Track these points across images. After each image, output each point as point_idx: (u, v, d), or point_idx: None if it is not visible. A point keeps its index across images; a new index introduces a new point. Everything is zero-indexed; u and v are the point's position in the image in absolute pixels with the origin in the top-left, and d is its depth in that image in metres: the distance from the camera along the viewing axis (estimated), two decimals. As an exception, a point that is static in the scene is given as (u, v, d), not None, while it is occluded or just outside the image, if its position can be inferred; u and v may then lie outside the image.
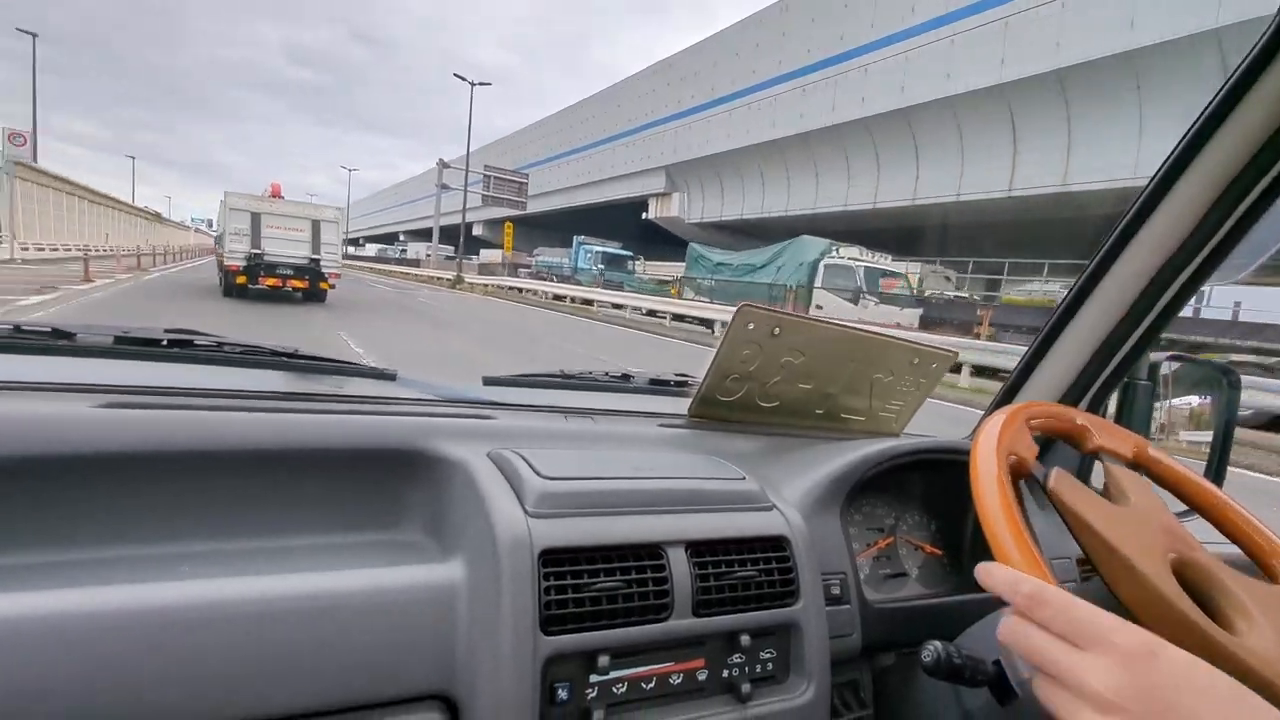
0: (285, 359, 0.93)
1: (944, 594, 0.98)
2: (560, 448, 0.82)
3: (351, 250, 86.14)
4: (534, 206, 39.59)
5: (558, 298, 26.06)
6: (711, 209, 31.00)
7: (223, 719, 0.52)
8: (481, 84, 32.22)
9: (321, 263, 13.87)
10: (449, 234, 65.17)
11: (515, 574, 0.60)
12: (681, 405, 1.08)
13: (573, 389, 1.15)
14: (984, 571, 0.48)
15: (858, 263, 17.37)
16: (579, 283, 28.56)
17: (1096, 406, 1.13)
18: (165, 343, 0.87)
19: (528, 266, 41.20)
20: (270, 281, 13.28)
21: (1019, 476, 0.63)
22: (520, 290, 28.65)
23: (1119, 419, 1.12)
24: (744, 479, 0.81)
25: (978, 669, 0.52)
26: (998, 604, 0.48)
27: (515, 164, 43.54)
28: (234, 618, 0.53)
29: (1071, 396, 1.11)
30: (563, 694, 0.61)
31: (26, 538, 0.59)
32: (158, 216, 50.35)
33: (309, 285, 13.80)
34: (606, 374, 1.22)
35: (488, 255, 46.97)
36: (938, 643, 0.52)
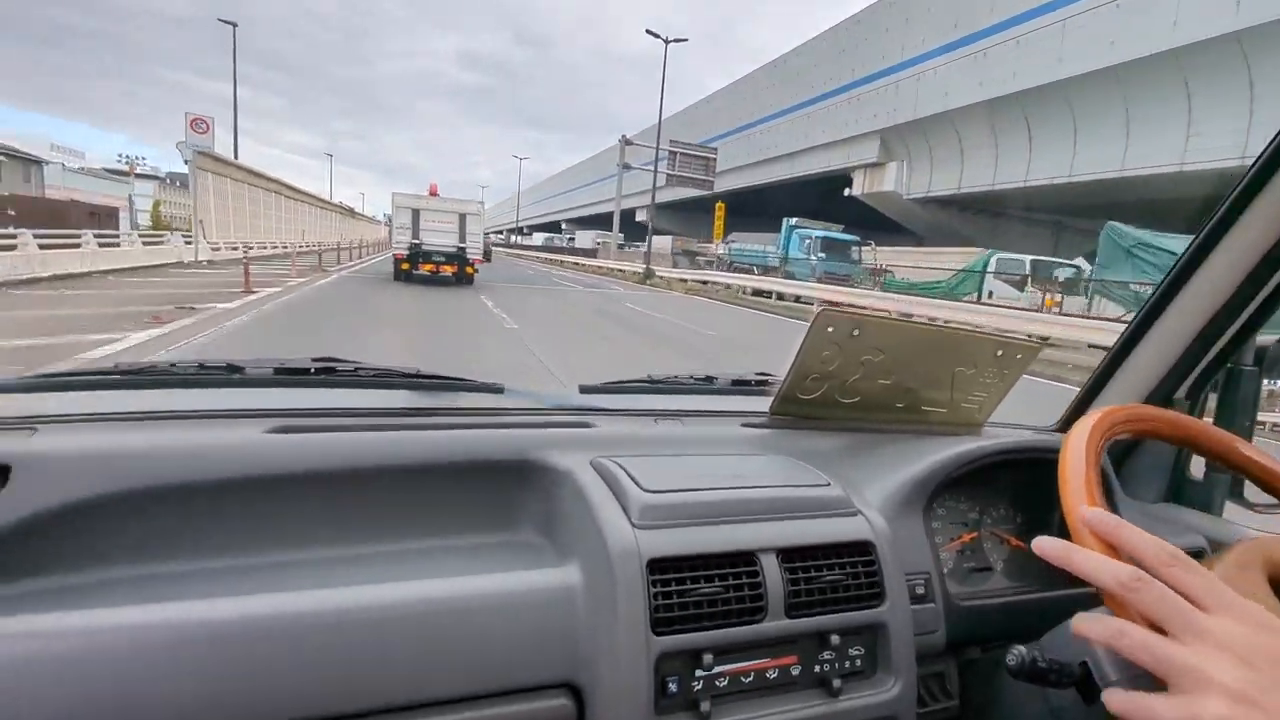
0: (411, 379, 1.02)
1: (1030, 588, 0.99)
2: (654, 453, 0.90)
3: (518, 239, 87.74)
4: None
5: (783, 299, 20.05)
6: (944, 180, 24.72)
7: (388, 704, 0.61)
8: (677, 40, 28.03)
9: (467, 250, 15.95)
10: (598, 221, 62.47)
11: (627, 581, 0.68)
12: (763, 404, 1.09)
13: (661, 393, 1.19)
14: (1065, 551, 0.46)
15: None
16: (791, 275, 23.29)
17: (1196, 393, 1.10)
18: (313, 371, 0.99)
19: (701, 254, 37.23)
20: (427, 267, 15.50)
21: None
22: (725, 287, 24.17)
23: (1220, 406, 1.09)
24: (829, 485, 0.85)
25: (1063, 671, 0.53)
26: (1085, 602, 0.49)
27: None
28: (394, 618, 0.63)
29: (1170, 383, 1.08)
30: (673, 686, 0.68)
31: (216, 546, 0.71)
32: (351, 212, 52.30)
33: (457, 270, 15.94)
34: (691, 376, 1.24)
35: (658, 243, 43.36)
36: (1021, 647, 0.54)
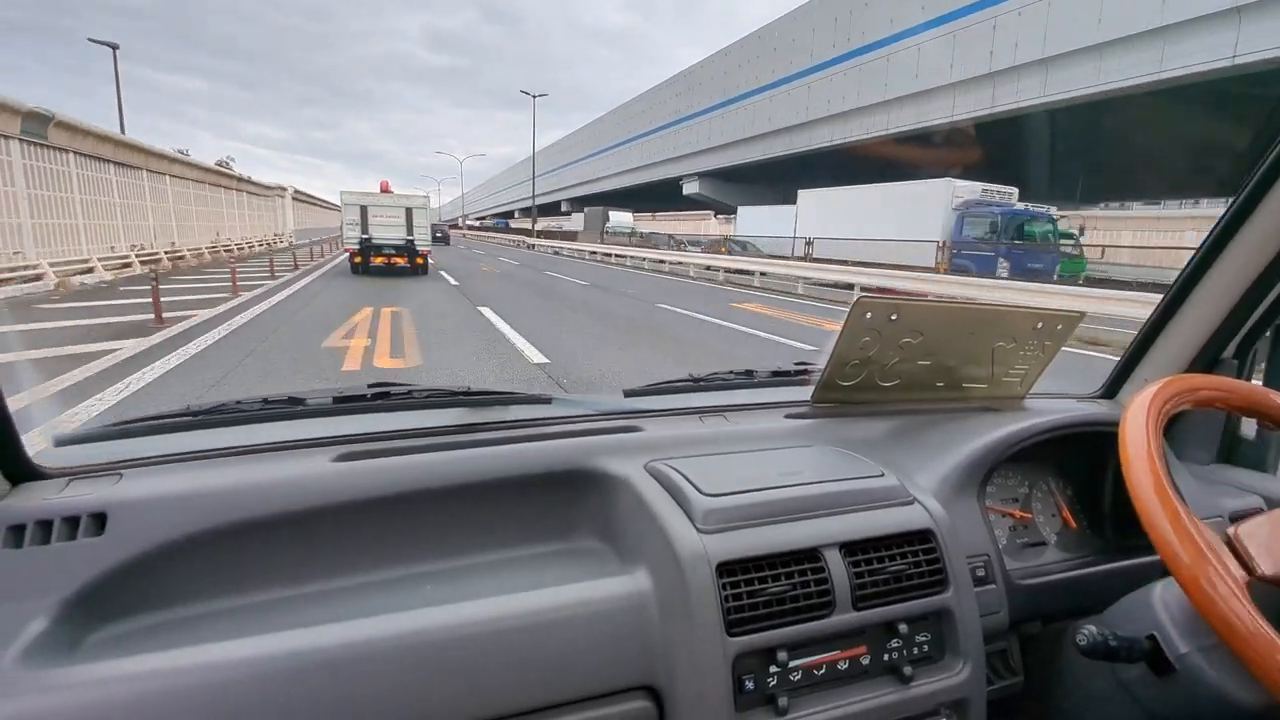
0: (462, 396, 1.03)
1: (1084, 560, 0.99)
2: (704, 453, 0.92)
3: (546, 225, 71.34)
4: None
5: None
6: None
7: (476, 717, 0.64)
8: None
9: (415, 242, 17.01)
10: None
11: (699, 586, 0.70)
12: (804, 393, 1.11)
13: (703, 390, 1.19)
14: None
15: None
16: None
17: (1244, 354, 1.08)
18: (370, 396, 1.00)
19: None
20: (379, 259, 16.79)
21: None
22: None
23: (1270, 367, 1.07)
24: (883, 475, 0.86)
25: (1133, 647, 0.53)
26: (1144, 572, 0.55)
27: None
28: (477, 635, 0.66)
29: (1216, 345, 1.06)
30: (749, 684, 0.70)
31: (298, 574, 0.75)
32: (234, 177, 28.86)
33: (408, 261, 16.99)
34: (731, 372, 1.24)
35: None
36: (1091, 626, 0.54)
